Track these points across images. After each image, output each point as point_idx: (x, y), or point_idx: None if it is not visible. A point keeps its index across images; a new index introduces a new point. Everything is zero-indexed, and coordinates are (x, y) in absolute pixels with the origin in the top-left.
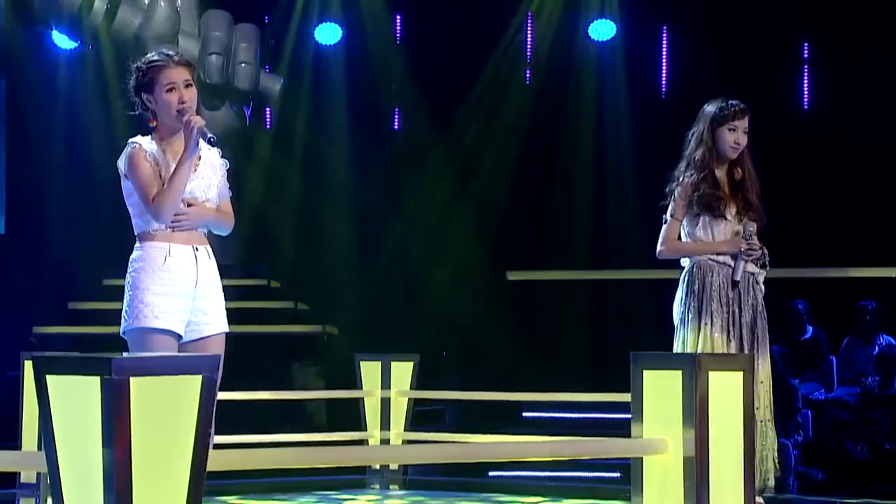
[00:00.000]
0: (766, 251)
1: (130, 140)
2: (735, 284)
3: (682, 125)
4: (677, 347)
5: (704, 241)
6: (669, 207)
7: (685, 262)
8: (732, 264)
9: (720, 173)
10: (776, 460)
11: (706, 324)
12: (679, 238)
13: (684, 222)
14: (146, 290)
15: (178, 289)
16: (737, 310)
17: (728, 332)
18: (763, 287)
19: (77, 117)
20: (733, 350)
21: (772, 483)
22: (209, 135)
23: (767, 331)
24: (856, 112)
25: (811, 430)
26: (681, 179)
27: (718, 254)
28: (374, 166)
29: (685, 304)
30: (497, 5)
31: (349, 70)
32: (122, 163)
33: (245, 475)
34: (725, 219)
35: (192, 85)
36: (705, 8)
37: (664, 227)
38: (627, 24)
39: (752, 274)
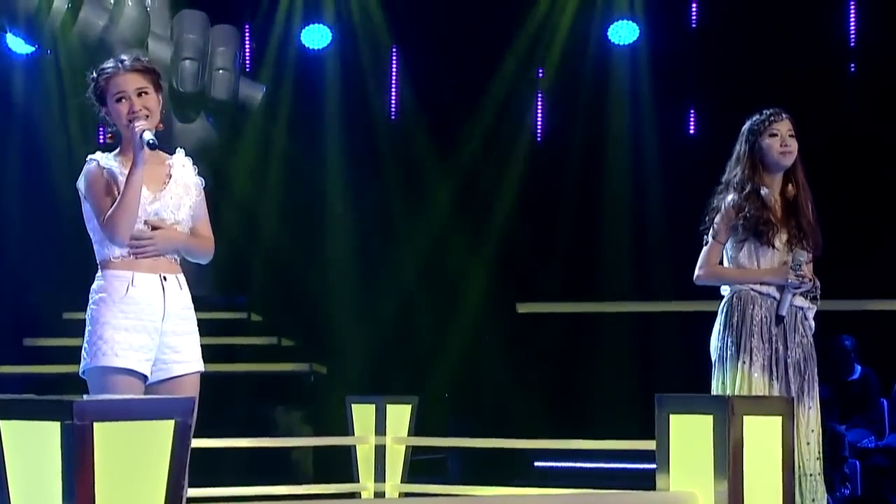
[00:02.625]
0: (818, 283)
1: (89, 156)
2: (780, 320)
3: (713, 147)
4: (715, 388)
5: (748, 269)
6: (711, 229)
7: (725, 290)
8: (778, 296)
9: (769, 192)
10: None
11: (744, 362)
12: (721, 263)
13: (728, 246)
14: (105, 324)
15: (143, 323)
16: (781, 347)
17: (771, 372)
18: (813, 323)
19: (34, 131)
20: (776, 393)
21: None
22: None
23: (817, 372)
24: None
25: (860, 483)
26: (721, 203)
27: (762, 283)
28: (367, 186)
29: (723, 339)
30: (507, 4)
31: (339, 78)
32: (80, 182)
33: None
34: (773, 247)
35: (147, 93)
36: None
37: (704, 248)
38: (652, 25)
39: (801, 308)
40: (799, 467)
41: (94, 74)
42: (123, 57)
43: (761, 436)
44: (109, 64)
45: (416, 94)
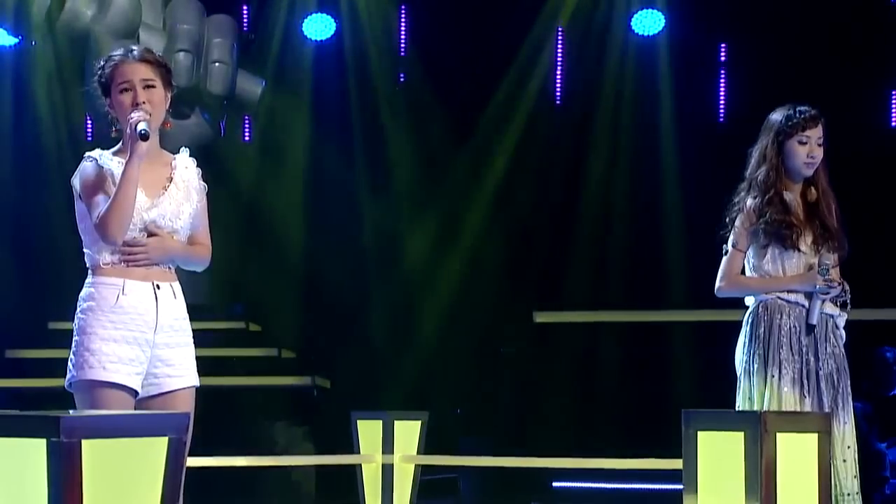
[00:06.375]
0: (847, 287)
1: (87, 154)
2: (810, 329)
3: (742, 144)
4: (740, 404)
5: (773, 276)
6: (731, 237)
7: (749, 301)
8: (806, 304)
9: (791, 195)
10: None
11: (773, 376)
12: (742, 272)
13: (749, 253)
14: (93, 334)
15: (133, 334)
16: (812, 359)
17: (802, 385)
18: (844, 332)
19: (17, 127)
20: (808, 408)
21: None
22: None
23: (850, 385)
24: None
25: None
26: (742, 205)
27: (789, 291)
28: (374, 186)
29: (748, 351)
30: None
31: (344, 71)
32: (75, 179)
33: None
34: (799, 250)
35: (154, 87)
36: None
37: (724, 258)
38: (677, 16)
39: (832, 316)
40: (835, 487)
41: (101, 62)
42: (133, 47)
43: (796, 454)
44: (118, 52)
45: (426, 88)
